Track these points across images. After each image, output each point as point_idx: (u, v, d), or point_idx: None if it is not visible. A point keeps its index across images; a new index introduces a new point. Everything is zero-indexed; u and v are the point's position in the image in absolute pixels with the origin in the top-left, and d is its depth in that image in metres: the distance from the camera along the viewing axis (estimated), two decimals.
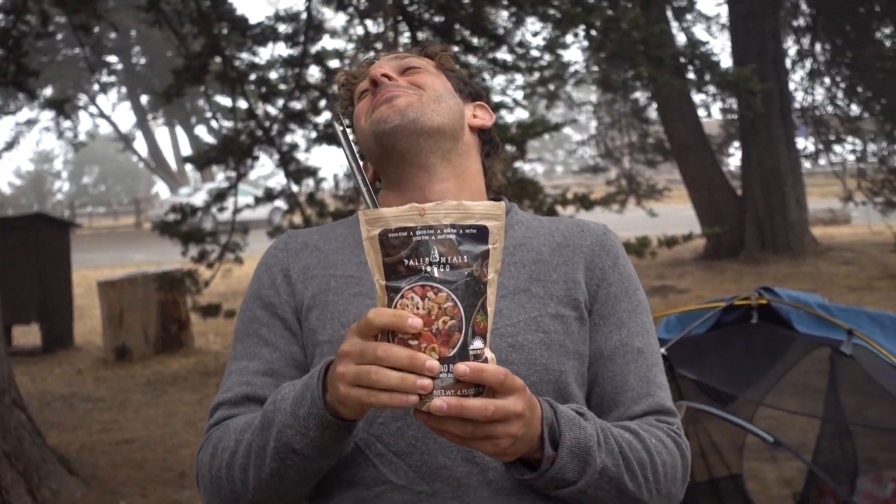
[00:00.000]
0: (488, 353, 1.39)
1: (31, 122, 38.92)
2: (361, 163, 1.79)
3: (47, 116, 38.62)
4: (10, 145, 35.15)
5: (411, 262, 1.36)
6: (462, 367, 1.35)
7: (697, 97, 17.85)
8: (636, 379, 1.77)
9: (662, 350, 3.96)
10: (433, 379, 1.35)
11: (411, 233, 1.36)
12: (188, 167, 44.29)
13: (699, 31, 23.17)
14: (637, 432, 1.67)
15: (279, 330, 1.79)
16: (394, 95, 1.79)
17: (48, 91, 35.45)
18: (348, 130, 1.65)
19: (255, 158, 10.25)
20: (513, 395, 1.40)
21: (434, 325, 1.36)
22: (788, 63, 18.84)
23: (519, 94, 14.98)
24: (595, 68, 17.96)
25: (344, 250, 1.84)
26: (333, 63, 10.56)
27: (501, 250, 1.40)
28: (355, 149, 1.59)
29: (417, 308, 1.36)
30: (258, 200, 10.09)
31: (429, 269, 1.36)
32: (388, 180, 1.87)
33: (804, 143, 19.91)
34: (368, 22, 10.29)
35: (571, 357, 1.74)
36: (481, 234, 1.38)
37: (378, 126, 1.77)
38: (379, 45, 9.80)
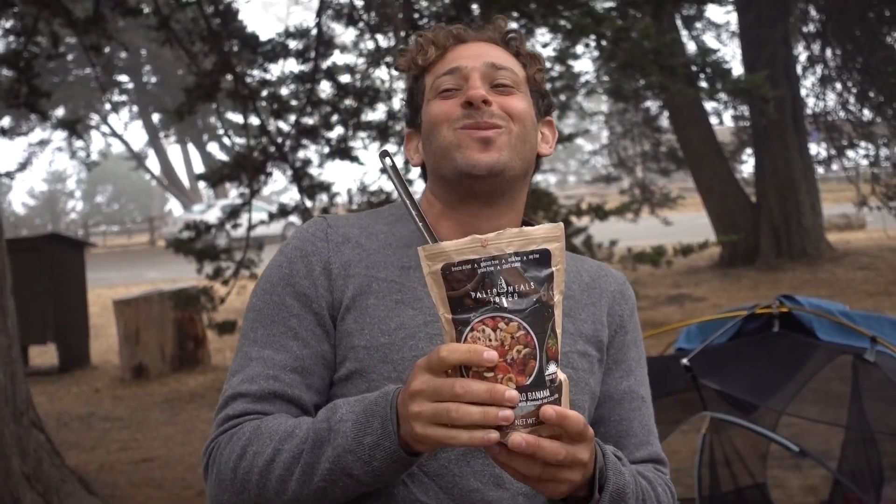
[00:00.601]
0: (561, 375, 1.39)
1: (43, 143, 39.05)
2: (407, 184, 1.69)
3: (60, 136, 38.78)
4: (24, 166, 35.25)
5: (479, 295, 1.34)
6: (549, 412, 1.34)
7: (709, 105, 17.84)
8: (639, 426, 1.84)
9: (685, 361, 3.93)
10: (512, 409, 1.33)
11: (476, 265, 1.34)
12: (201, 184, 44.43)
13: (709, 40, 23.12)
14: (651, 481, 1.74)
15: (311, 325, 1.72)
16: (489, 137, 1.71)
17: (60, 111, 35.61)
18: (398, 163, 1.60)
19: (269, 174, 10.25)
20: (583, 443, 1.40)
21: (508, 356, 1.34)
22: (799, 69, 18.80)
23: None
24: (606, 78, 17.95)
25: (386, 250, 1.78)
26: (344, 78, 10.59)
27: (564, 271, 1.38)
28: (407, 185, 1.52)
29: (490, 340, 1.34)
30: (272, 216, 10.09)
31: (497, 299, 1.34)
32: (444, 200, 1.81)
33: (817, 149, 19.86)
34: (379, 36, 10.31)
35: (589, 396, 1.78)
36: (544, 258, 1.36)
37: (467, 167, 1.70)
38: (389, 60, 9.82)
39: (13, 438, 5.87)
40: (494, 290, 1.33)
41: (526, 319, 1.34)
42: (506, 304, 1.33)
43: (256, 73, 10.81)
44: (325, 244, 1.77)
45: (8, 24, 10.63)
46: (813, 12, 18.70)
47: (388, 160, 1.55)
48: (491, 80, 1.75)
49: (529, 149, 1.77)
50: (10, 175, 26.97)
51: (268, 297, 1.75)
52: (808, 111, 19.06)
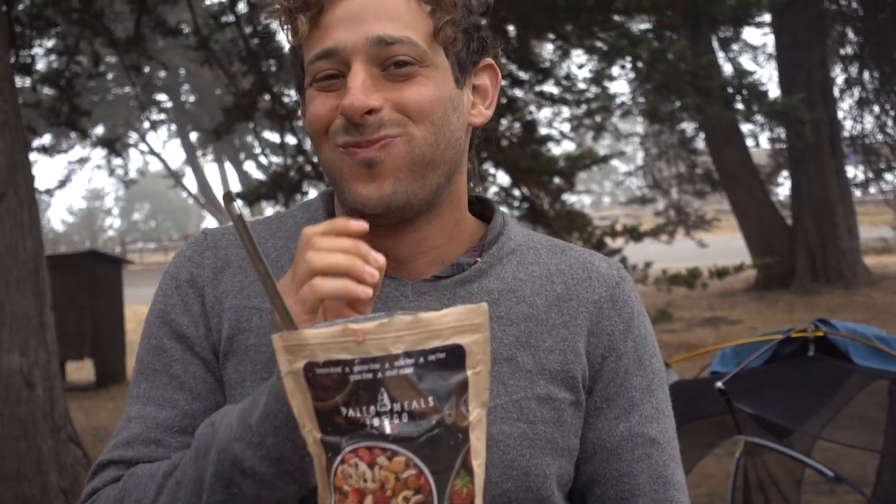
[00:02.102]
0: None
1: (82, 161, 39.50)
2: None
3: (99, 154, 39.29)
4: (63, 183, 35.59)
5: (350, 412, 0.95)
6: None
7: (745, 127, 17.79)
8: (649, 480, 1.36)
9: (719, 384, 3.93)
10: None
11: (347, 368, 0.95)
12: (238, 203, 44.67)
13: (746, 61, 23.08)
14: None
15: (199, 371, 1.34)
16: (372, 160, 1.26)
17: (100, 129, 35.97)
18: (243, 211, 1.14)
19: (304, 193, 10.35)
20: None
21: None
22: (836, 91, 18.72)
23: (566, 127, 15.01)
24: (641, 99, 17.95)
25: (277, 272, 1.31)
26: None
27: (488, 373, 0.99)
28: (256, 244, 1.06)
29: (365, 480, 0.96)
30: None
31: (375, 421, 0.95)
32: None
33: (854, 172, 19.77)
34: None
35: (559, 455, 1.32)
36: (454, 359, 0.96)
37: (357, 205, 1.28)
38: None
39: (51, 453, 5.95)
40: (373, 409, 0.95)
41: (419, 452, 0.95)
42: (388, 430, 0.95)
43: (293, 93, 10.90)
44: (200, 270, 1.39)
45: (50, 44, 10.80)
46: (851, 35, 18.62)
47: (234, 206, 1.08)
48: (381, 60, 1.26)
49: (447, 143, 1.30)
50: (49, 192, 27.28)
51: (146, 342, 1.39)
52: (846, 134, 18.97)
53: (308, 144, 10.47)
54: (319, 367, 0.96)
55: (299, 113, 1.41)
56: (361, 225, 1.11)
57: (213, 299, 1.35)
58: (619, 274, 1.43)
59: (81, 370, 12.75)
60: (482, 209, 1.48)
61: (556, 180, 9.07)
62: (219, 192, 52.17)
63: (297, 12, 1.27)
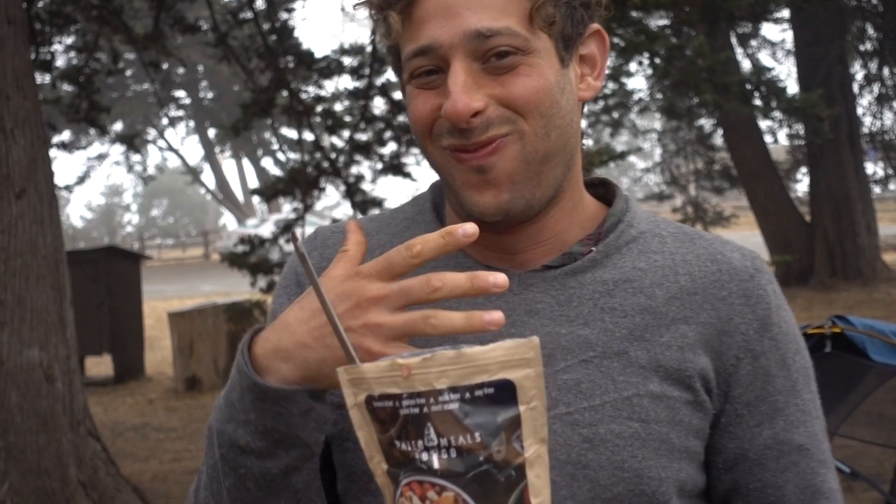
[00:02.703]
0: None
1: (101, 157, 39.67)
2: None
3: (117, 151, 39.39)
4: (82, 179, 35.85)
5: (403, 447, 0.96)
6: None
7: (764, 123, 17.74)
8: (796, 490, 1.26)
9: None
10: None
11: (397, 402, 0.95)
12: (255, 199, 44.80)
13: (764, 57, 22.99)
14: None
15: None
16: (484, 166, 1.19)
17: (118, 126, 36.14)
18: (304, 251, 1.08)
19: (322, 190, 10.37)
20: None
21: None
22: (856, 88, 18.64)
23: (583, 123, 15.00)
24: (659, 95, 17.91)
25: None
26: (398, 95, 10.66)
27: (545, 409, 0.95)
28: (320, 284, 1.04)
29: None
30: None
31: (424, 456, 0.94)
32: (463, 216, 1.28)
33: (873, 168, 19.71)
34: None
35: (676, 457, 1.22)
36: (503, 394, 0.93)
37: (474, 212, 1.21)
38: None
39: (70, 447, 5.98)
40: (420, 443, 0.94)
41: (467, 488, 0.93)
42: (436, 465, 0.94)
43: (311, 89, 10.93)
44: (294, 276, 1.39)
45: (70, 41, 10.86)
46: (870, 30, 18.53)
47: (300, 245, 1.08)
48: (480, 54, 1.17)
49: (559, 131, 1.21)
50: (69, 188, 27.42)
51: None
52: (865, 130, 18.88)
53: (325, 140, 10.51)
54: (376, 401, 0.96)
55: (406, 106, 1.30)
56: (467, 239, 1.05)
57: None
58: (753, 265, 1.30)
59: (100, 365, 12.82)
60: (605, 192, 1.39)
61: None
62: (237, 189, 52.43)
63: (387, 8, 1.20)
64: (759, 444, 1.25)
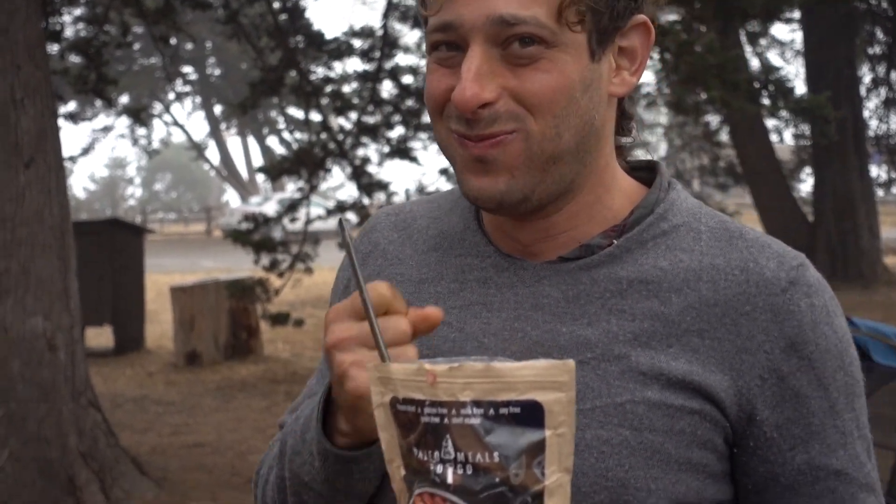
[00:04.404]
0: None
1: (106, 129, 39.70)
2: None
3: (123, 123, 39.42)
4: (86, 151, 35.89)
5: (420, 455, 0.92)
6: None
7: (770, 122, 17.73)
8: None
9: None
10: None
11: (419, 409, 0.91)
12: (259, 177, 44.86)
13: (773, 57, 22.98)
14: None
15: None
16: (484, 157, 1.14)
17: (124, 99, 36.11)
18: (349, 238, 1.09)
19: (328, 171, 10.40)
20: None
21: None
22: (863, 90, 18.64)
23: None
24: (667, 90, 17.91)
25: (410, 258, 1.32)
26: (407, 79, 10.68)
27: (572, 438, 0.89)
28: (360, 273, 1.03)
29: None
30: (329, 212, 10.25)
31: (439, 468, 0.90)
32: None
33: (878, 171, 19.70)
34: None
35: (672, 469, 1.13)
36: (530, 416, 0.88)
37: (471, 196, 1.18)
38: None
39: (71, 416, 6.03)
40: (437, 454, 0.91)
41: None
42: (449, 479, 0.90)
43: (320, 70, 10.95)
44: (355, 254, 1.26)
45: (80, 12, 10.87)
46: (879, 34, 18.53)
47: (347, 233, 1.08)
48: (501, 40, 1.11)
49: (573, 132, 1.14)
50: (73, 159, 27.42)
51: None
52: (871, 133, 18.90)
53: (332, 122, 10.53)
54: (400, 404, 0.92)
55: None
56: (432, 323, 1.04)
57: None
58: (788, 277, 1.17)
59: (100, 336, 12.86)
60: (654, 177, 1.28)
61: None
62: (241, 166, 52.39)
63: None
64: (791, 469, 1.16)
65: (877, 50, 18.82)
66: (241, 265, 16.99)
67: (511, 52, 1.10)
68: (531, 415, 0.87)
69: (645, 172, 1.29)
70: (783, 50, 21.79)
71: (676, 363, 1.12)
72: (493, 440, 0.87)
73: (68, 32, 10.56)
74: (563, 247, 1.21)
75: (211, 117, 47.15)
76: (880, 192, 20.35)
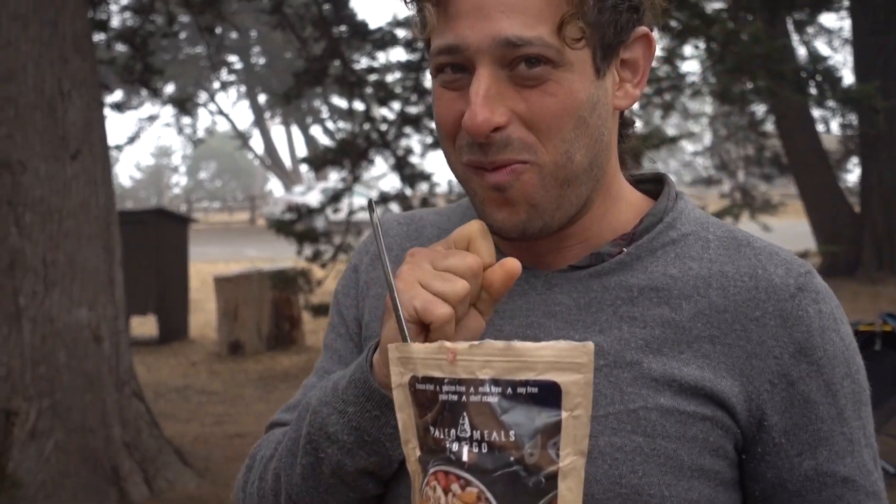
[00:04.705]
0: None
1: (152, 118, 39.99)
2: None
3: (168, 112, 39.72)
4: (132, 140, 36.13)
5: (437, 433, 0.93)
6: None
7: (817, 112, 17.53)
8: None
9: None
10: None
11: (438, 387, 0.93)
12: (303, 166, 45.03)
13: (821, 45, 22.75)
14: None
15: (352, 347, 1.38)
16: (501, 184, 1.14)
17: (170, 88, 36.36)
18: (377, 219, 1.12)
19: (371, 161, 10.41)
20: None
21: None
22: None
23: (635, 105, 14.90)
24: (713, 80, 17.76)
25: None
26: None
27: (588, 420, 0.91)
28: (386, 258, 1.08)
29: None
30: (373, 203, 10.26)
31: (455, 446, 0.91)
32: None
33: None
34: None
35: (685, 476, 1.13)
36: (547, 396, 0.89)
37: (492, 227, 1.16)
38: None
39: (115, 407, 6.08)
40: (453, 432, 0.92)
41: (492, 487, 0.89)
42: (465, 457, 0.91)
43: (364, 60, 10.96)
44: (363, 257, 1.40)
45: (125, 1, 10.94)
46: None
47: (375, 214, 1.13)
48: (508, 61, 1.10)
49: (584, 151, 1.15)
50: (119, 148, 27.65)
51: (330, 310, 1.45)
52: None
53: (375, 112, 10.52)
54: (419, 383, 0.94)
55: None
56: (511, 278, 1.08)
57: (363, 285, 1.36)
58: (796, 283, 1.18)
59: (144, 325, 12.97)
60: (657, 188, 1.31)
61: None
62: (285, 155, 52.65)
63: (424, 0, 1.13)
64: (798, 474, 1.16)
65: None
66: (284, 254, 17.06)
67: (518, 73, 1.10)
68: (548, 395, 0.88)
69: (651, 185, 1.31)
70: (831, 38, 21.56)
71: (688, 369, 1.14)
72: (509, 419, 0.89)
73: (115, 22, 10.64)
74: (574, 256, 1.23)
75: (255, 106, 47.38)
76: None
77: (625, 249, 1.21)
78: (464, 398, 0.90)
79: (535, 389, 0.88)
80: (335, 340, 1.38)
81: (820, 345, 1.16)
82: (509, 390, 0.89)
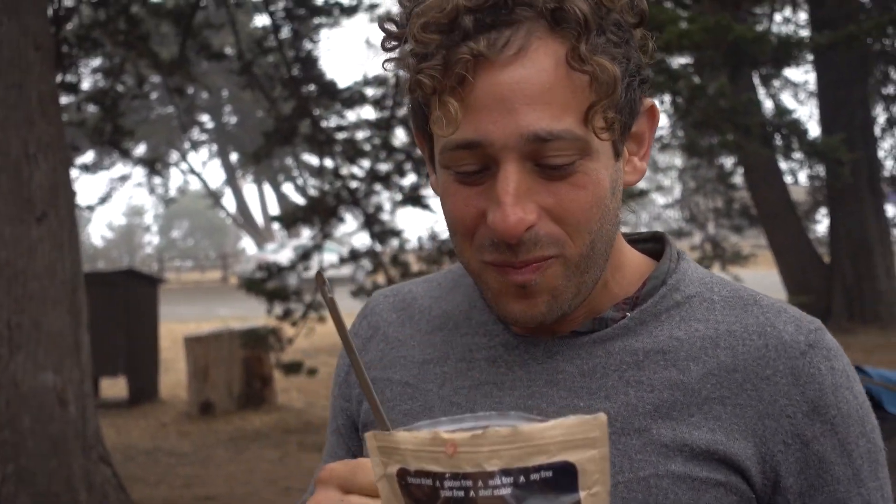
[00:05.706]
0: None
1: (124, 178, 39.95)
2: None
3: (140, 172, 39.62)
4: (104, 200, 36.02)
5: None
6: None
7: (784, 164, 17.72)
8: None
9: None
10: None
11: (437, 482, 0.83)
12: (275, 224, 45.00)
13: (787, 98, 23.04)
14: None
15: (340, 440, 1.34)
16: (527, 283, 1.09)
17: (141, 148, 36.37)
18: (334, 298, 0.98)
19: (341, 219, 10.44)
20: None
21: None
22: (878, 131, 18.63)
23: None
24: (680, 133, 17.94)
25: (412, 338, 1.28)
26: None
27: (607, 496, 0.84)
28: (348, 334, 0.97)
29: None
30: (343, 260, 10.27)
31: None
32: None
33: (893, 212, 19.63)
34: None
35: None
36: (563, 478, 0.82)
37: (509, 319, 1.14)
38: None
39: (81, 472, 6.01)
40: None
41: None
42: None
43: (333, 118, 11.02)
44: (355, 339, 1.31)
45: (96, 63, 10.99)
46: (893, 74, 18.53)
47: (326, 289, 0.97)
48: (536, 158, 1.05)
49: (605, 237, 1.12)
50: (90, 208, 27.58)
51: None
52: (886, 174, 18.87)
53: (345, 170, 10.55)
54: (411, 476, 0.84)
55: (429, 184, 1.21)
56: None
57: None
58: (807, 340, 1.13)
59: (114, 387, 12.85)
60: (657, 247, 1.28)
61: None
62: (257, 213, 52.64)
63: (447, 94, 1.03)
64: None
65: (891, 90, 18.83)
66: (256, 313, 16.97)
67: (546, 165, 1.05)
68: (564, 478, 0.81)
69: (650, 244, 1.28)
70: (797, 91, 21.83)
71: (699, 433, 1.09)
72: None
73: (85, 84, 10.68)
74: (576, 322, 1.18)
75: (227, 165, 47.42)
76: None
77: (628, 314, 1.18)
78: (471, 493, 0.81)
79: (549, 473, 0.81)
80: (338, 427, 1.34)
81: (833, 403, 1.12)
82: (521, 479, 0.81)
